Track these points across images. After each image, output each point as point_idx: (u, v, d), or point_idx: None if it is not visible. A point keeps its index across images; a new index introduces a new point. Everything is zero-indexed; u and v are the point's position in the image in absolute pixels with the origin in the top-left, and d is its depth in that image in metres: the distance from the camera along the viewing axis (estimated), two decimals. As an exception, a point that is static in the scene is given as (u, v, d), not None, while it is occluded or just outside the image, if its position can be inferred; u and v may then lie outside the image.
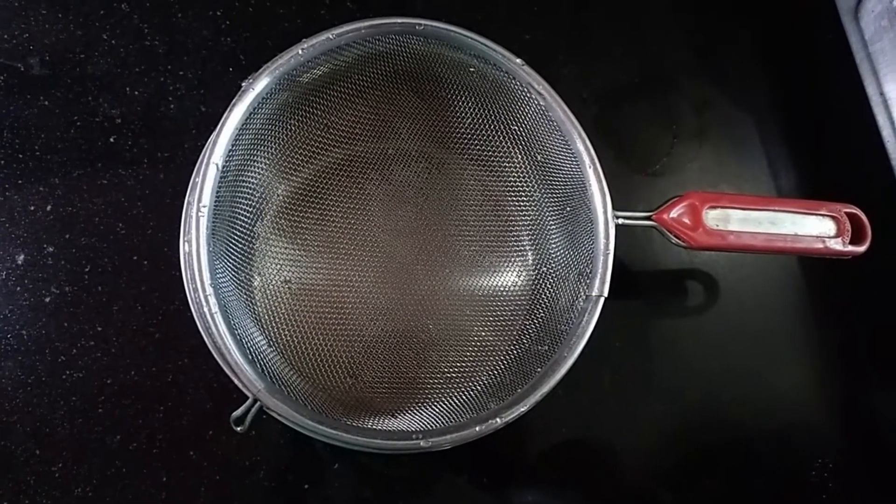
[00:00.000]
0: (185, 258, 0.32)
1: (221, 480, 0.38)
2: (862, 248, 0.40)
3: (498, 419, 0.33)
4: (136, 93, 0.43)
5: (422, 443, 0.32)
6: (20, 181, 0.41)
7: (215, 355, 0.32)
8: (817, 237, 0.39)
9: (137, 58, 0.44)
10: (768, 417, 0.45)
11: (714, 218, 0.38)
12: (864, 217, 0.40)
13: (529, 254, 0.43)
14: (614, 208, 0.37)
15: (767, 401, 0.46)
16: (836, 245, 0.39)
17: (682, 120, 0.50)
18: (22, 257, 0.40)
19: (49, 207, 0.41)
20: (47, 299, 0.39)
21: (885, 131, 0.50)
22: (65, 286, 0.40)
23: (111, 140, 0.42)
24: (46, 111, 0.42)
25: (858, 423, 0.47)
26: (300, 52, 0.35)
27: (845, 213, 0.40)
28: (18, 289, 0.39)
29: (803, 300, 0.48)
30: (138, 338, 0.39)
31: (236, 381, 0.31)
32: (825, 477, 0.44)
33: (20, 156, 0.41)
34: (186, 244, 0.32)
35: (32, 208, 0.41)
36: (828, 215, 0.40)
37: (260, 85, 0.34)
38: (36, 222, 0.40)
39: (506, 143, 0.42)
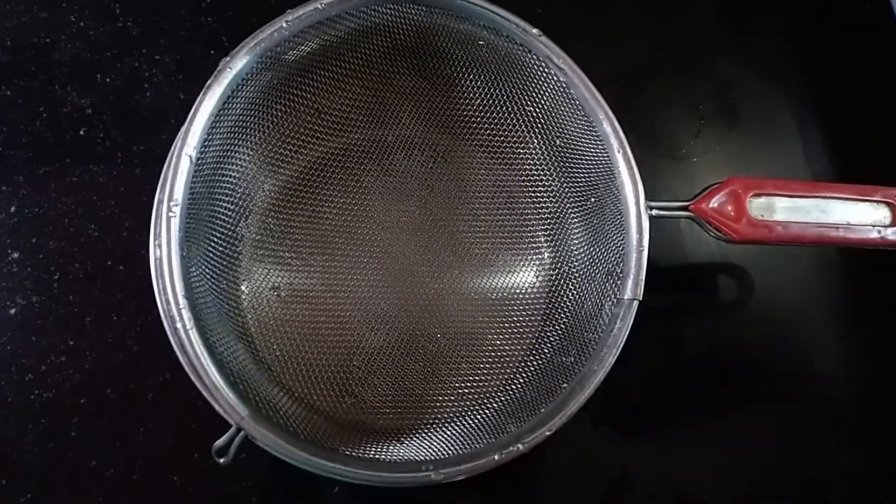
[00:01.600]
0: (155, 265, 0.30)
1: (209, 509, 0.37)
2: (919, 240, 0.38)
3: (520, 445, 0.31)
4: (108, 80, 0.42)
5: (433, 475, 0.30)
6: (-20, 180, 0.40)
7: (192, 377, 0.30)
8: (872, 226, 0.37)
9: (109, 41, 0.43)
10: (808, 421, 0.43)
11: (758, 207, 0.36)
12: (921, 204, 0.38)
13: (547, 251, 0.41)
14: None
15: (807, 404, 0.44)
16: (893, 235, 0.37)
17: (709, 100, 0.48)
18: (-16, 265, 0.39)
19: (13, 209, 0.39)
20: (12, 311, 0.38)
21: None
22: (32, 296, 0.38)
23: (81, 133, 0.41)
24: (9, 102, 0.41)
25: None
26: (284, 24, 0.33)
27: (901, 198, 0.38)
28: (-20, 300, 0.39)
29: (844, 294, 0.46)
30: (114, 352, 0.38)
31: (216, 407, 0.29)
32: (867, 479, 0.42)
33: (-21, 152, 0.40)
34: (157, 248, 0.30)
35: (-6, 210, 0.40)
36: (882, 202, 0.37)
37: (239, 64, 0.33)
38: (-2, 225, 0.39)
39: (520, 126, 0.41)
